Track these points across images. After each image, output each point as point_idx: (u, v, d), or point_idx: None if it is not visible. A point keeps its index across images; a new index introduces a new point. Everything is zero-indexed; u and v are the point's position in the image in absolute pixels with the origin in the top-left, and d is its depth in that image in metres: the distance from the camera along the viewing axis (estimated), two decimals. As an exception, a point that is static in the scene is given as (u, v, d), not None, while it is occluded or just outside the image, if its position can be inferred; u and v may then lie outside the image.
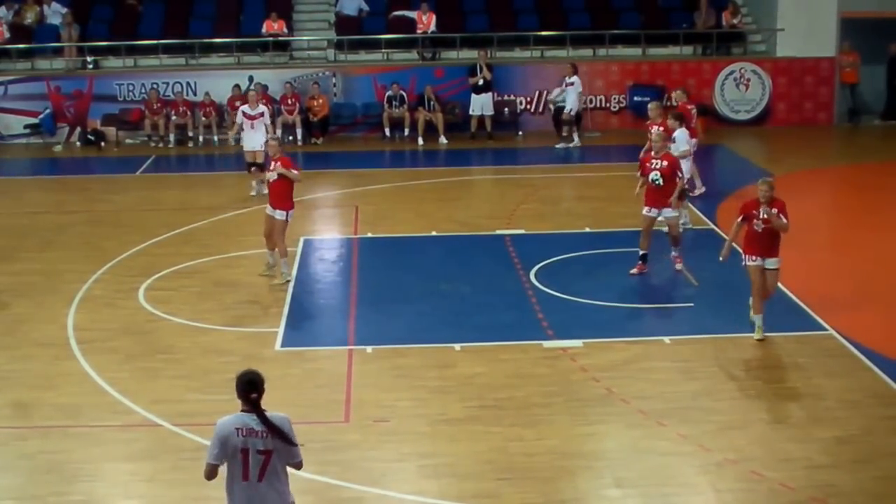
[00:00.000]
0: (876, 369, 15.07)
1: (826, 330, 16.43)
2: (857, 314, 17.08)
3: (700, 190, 24.17)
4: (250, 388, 8.86)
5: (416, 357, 15.84)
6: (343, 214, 24.00)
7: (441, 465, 12.60)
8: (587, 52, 34.23)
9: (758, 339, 15.94)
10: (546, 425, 13.56)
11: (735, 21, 34.29)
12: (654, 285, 19.02)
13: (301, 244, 21.37)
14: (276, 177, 18.56)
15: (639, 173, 19.37)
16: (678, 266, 18.97)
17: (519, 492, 11.96)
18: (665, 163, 18.63)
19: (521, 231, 22.09)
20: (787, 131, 33.11)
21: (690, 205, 22.28)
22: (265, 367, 15.23)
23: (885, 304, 17.62)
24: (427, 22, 33.82)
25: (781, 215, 15.61)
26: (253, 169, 25.00)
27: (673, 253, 19.09)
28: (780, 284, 16.37)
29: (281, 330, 16.92)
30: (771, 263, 15.82)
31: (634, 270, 19.11)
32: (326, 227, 23.60)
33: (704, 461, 12.63)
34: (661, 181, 18.56)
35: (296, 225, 22.97)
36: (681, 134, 21.54)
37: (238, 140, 26.58)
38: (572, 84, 31.29)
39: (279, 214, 18.69)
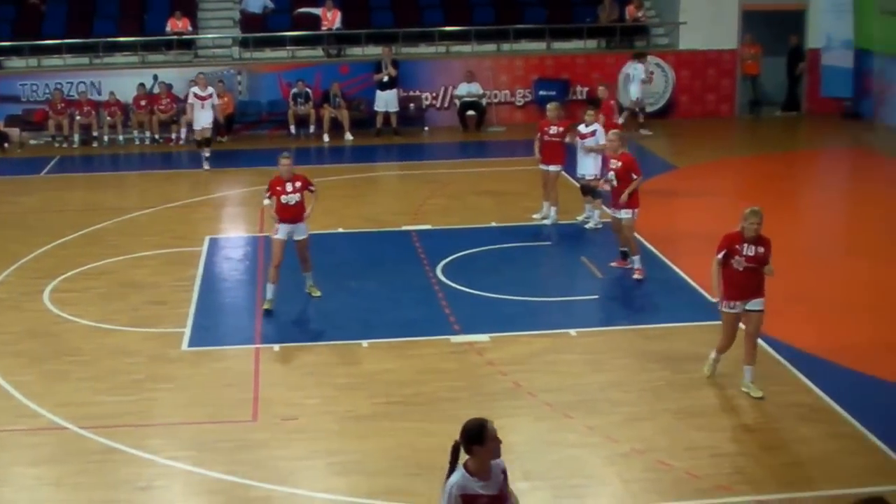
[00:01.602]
0: (780, 358, 15.30)
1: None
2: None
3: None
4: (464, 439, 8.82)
5: (323, 354, 15.86)
6: (248, 213, 23.90)
7: (350, 462, 12.62)
8: (492, 46, 34.36)
9: (756, 398, 14.09)
10: (454, 420, 13.57)
11: (639, 14, 34.57)
12: (558, 279, 19.16)
13: (206, 243, 21.28)
14: (298, 198, 17.61)
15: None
16: (637, 277, 18.46)
17: (429, 487, 11.96)
18: (620, 163, 18.57)
19: (428, 226, 22.15)
20: (691, 123, 33.47)
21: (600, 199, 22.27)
22: (172, 367, 15.36)
23: (787, 293, 17.77)
24: (332, 18, 33.72)
25: (768, 256, 14.03)
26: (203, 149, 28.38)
27: (635, 264, 18.60)
28: (691, 278, 16.21)
29: (187, 330, 16.83)
30: (755, 305, 14.14)
31: (614, 263, 19.19)
32: (232, 225, 23.51)
33: (611, 452, 12.76)
34: (615, 181, 18.59)
35: (201, 224, 22.94)
36: (599, 128, 21.63)
37: (190, 124, 29.79)
38: (658, 71, 31.59)
39: (304, 231, 17.91)
